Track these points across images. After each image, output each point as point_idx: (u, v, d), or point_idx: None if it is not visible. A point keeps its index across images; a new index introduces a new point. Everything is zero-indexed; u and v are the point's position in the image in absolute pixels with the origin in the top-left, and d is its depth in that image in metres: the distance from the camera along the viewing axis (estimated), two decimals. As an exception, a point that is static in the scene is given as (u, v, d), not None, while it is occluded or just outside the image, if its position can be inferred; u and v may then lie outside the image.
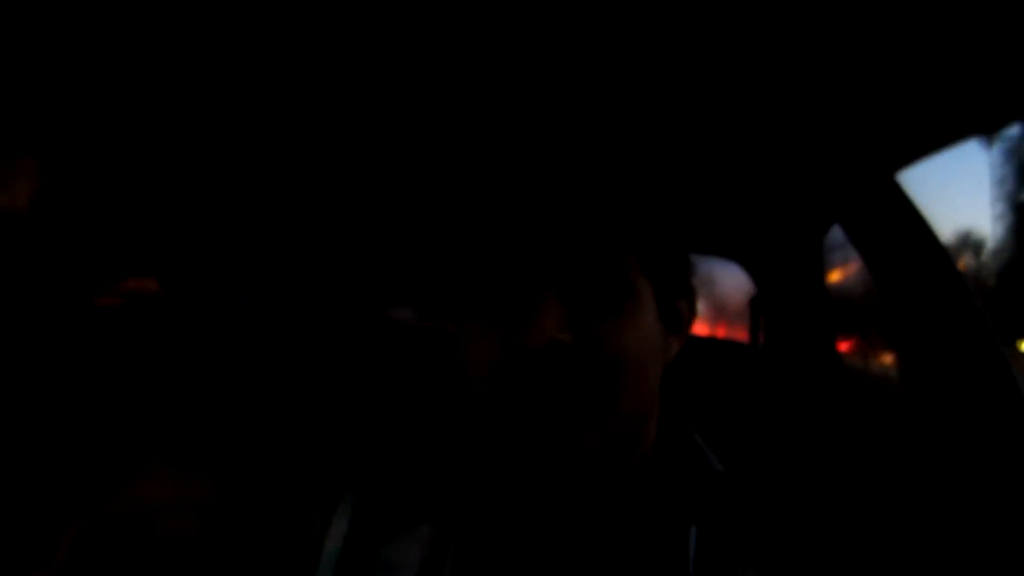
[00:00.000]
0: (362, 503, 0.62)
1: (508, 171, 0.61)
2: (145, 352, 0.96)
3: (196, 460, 0.84)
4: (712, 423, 0.68)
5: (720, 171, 1.13)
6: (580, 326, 0.54)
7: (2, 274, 0.75)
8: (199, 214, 1.35)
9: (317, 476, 0.65)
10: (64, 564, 0.71)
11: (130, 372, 0.89)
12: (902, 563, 0.58)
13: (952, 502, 1.04)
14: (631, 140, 0.93)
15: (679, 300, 0.63)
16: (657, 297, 0.59)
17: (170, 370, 0.97)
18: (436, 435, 0.67)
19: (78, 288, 0.82)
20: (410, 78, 0.84)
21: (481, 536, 0.59)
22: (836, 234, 1.28)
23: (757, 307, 1.68)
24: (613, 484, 0.59)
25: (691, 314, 0.65)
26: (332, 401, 0.99)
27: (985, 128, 0.79)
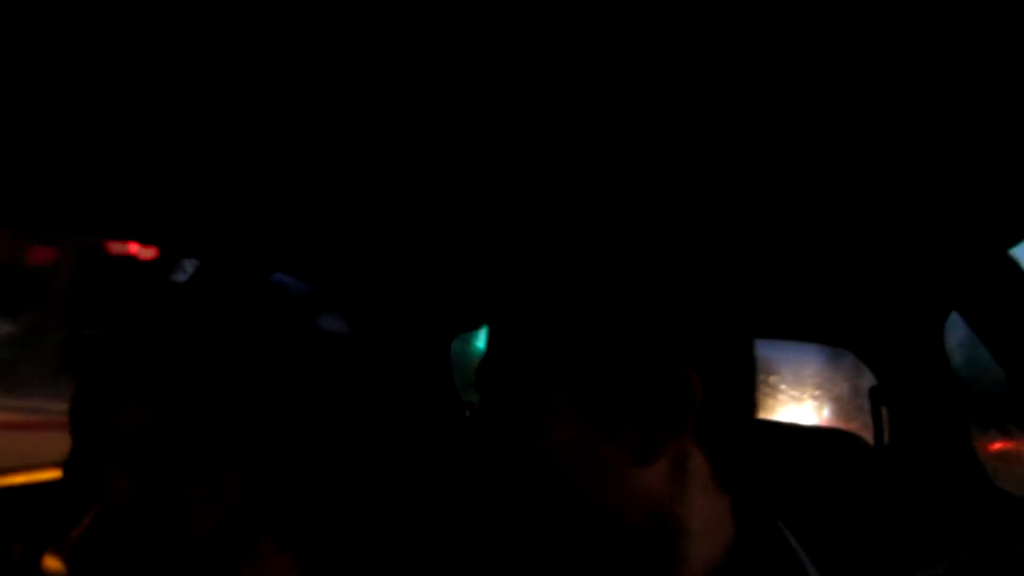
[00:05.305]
0: None
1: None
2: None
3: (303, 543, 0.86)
4: (814, 523, 0.62)
5: (828, 253, 1.10)
6: (498, 440, 0.55)
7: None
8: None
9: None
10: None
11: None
12: None
13: None
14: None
15: (619, 406, 0.54)
16: (583, 407, 0.54)
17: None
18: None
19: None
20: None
21: None
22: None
23: (877, 398, 1.57)
24: None
25: (634, 420, 0.54)
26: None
27: None
